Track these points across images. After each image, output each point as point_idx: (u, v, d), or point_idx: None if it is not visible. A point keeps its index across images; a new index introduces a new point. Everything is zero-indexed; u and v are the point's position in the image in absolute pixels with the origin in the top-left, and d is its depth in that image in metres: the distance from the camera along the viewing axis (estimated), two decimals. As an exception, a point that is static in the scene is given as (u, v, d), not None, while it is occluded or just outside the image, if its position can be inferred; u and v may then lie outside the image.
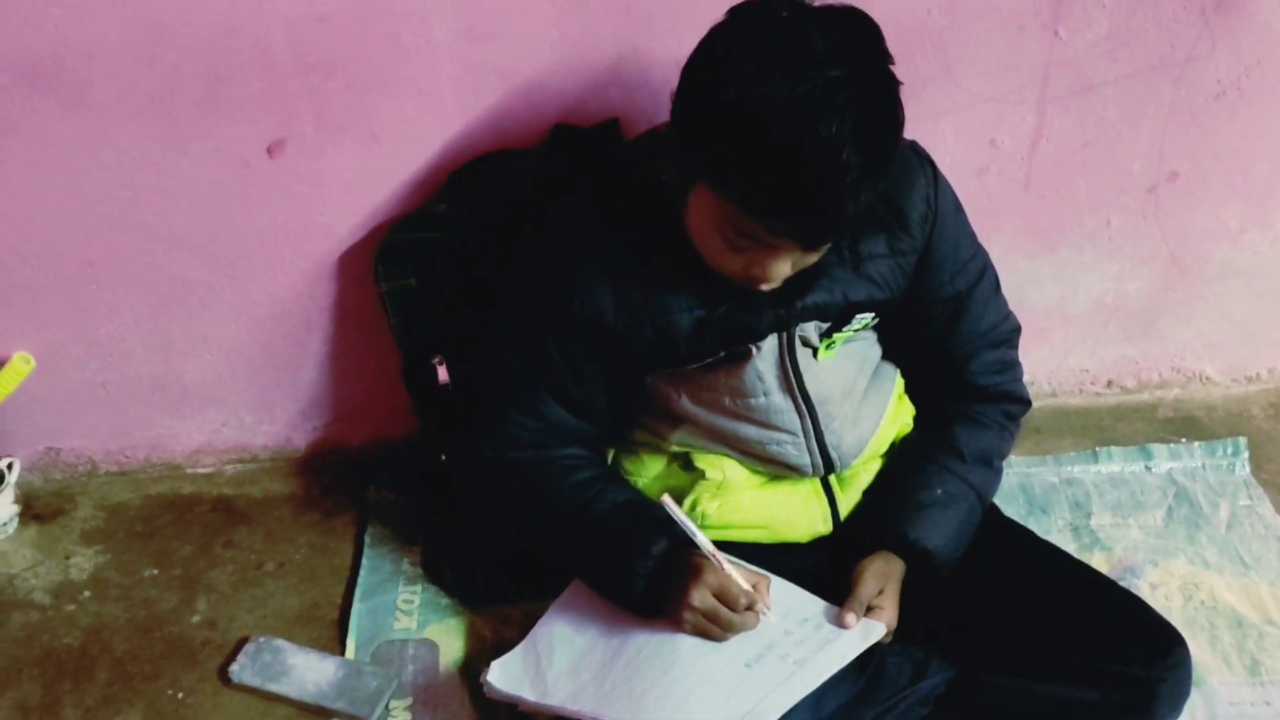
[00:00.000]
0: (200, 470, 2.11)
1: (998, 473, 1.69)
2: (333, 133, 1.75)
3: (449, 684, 1.75)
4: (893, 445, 1.68)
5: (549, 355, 1.53)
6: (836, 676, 1.47)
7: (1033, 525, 1.91)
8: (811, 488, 1.64)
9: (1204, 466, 2.08)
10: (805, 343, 1.53)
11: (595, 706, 1.46)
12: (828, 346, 1.55)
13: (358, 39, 1.67)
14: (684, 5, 1.61)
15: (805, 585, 1.57)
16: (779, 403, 1.55)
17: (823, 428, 1.58)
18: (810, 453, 1.59)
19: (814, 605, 1.54)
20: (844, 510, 1.65)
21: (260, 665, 1.76)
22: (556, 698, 1.50)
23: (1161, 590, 1.85)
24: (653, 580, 1.50)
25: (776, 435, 1.58)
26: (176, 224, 1.82)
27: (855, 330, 1.56)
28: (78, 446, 2.07)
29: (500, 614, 1.83)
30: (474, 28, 1.69)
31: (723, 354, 1.51)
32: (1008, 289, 1.67)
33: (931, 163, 1.54)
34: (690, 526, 1.48)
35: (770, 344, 1.51)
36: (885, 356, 1.67)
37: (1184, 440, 2.13)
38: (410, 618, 1.84)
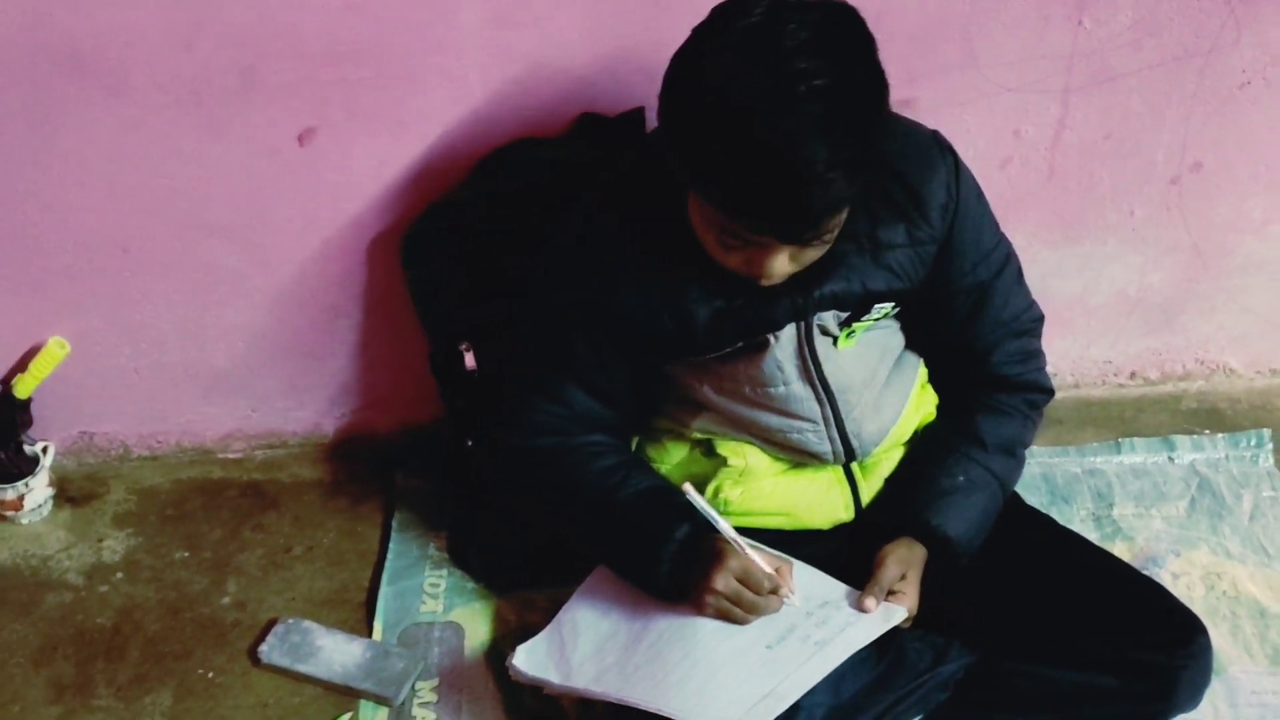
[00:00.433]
0: (230, 455, 2.14)
1: (1020, 461, 1.69)
2: (363, 121, 1.77)
3: (474, 666, 1.77)
4: (915, 434, 1.69)
5: (572, 345, 1.55)
6: (856, 660, 1.48)
7: (1055, 515, 1.91)
8: (833, 475, 1.65)
9: (1227, 458, 2.08)
10: (824, 331, 1.54)
11: (619, 688, 1.47)
12: (848, 335, 1.55)
13: (388, 28, 1.69)
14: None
15: (827, 572, 1.58)
16: (799, 391, 1.56)
17: (843, 416, 1.58)
18: (831, 440, 1.60)
19: (835, 589, 1.56)
20: (866, 498, 1.66)
21: (289, 646, 1.78)
22: (581, 680, 1.52)
23: (1184, 580, 1.86)
24: (676, 565, 1.52)
25: (797, 423, 1.59)
26: (210, 212, 1.85)
27: (875, 320, 1.56)
28: (111, 431, 2.10)
29: (525, 598, 1.85)
30: (502, 16, 1.70)
31: (741, 344, 1.52)
32: (1030, 280, 1.67)
33: (953, 152, 1.54)
34: (711, 513, 1.49)
35: (789, 333, 1.52)
36: (908, 346, 1.67)
37: (1207, 432, 2.13)
38: (436, 601, 1.86)
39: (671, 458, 1.69)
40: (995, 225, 1.61)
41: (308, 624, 1.81)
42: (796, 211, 1.28)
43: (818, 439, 1.60)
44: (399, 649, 1.78)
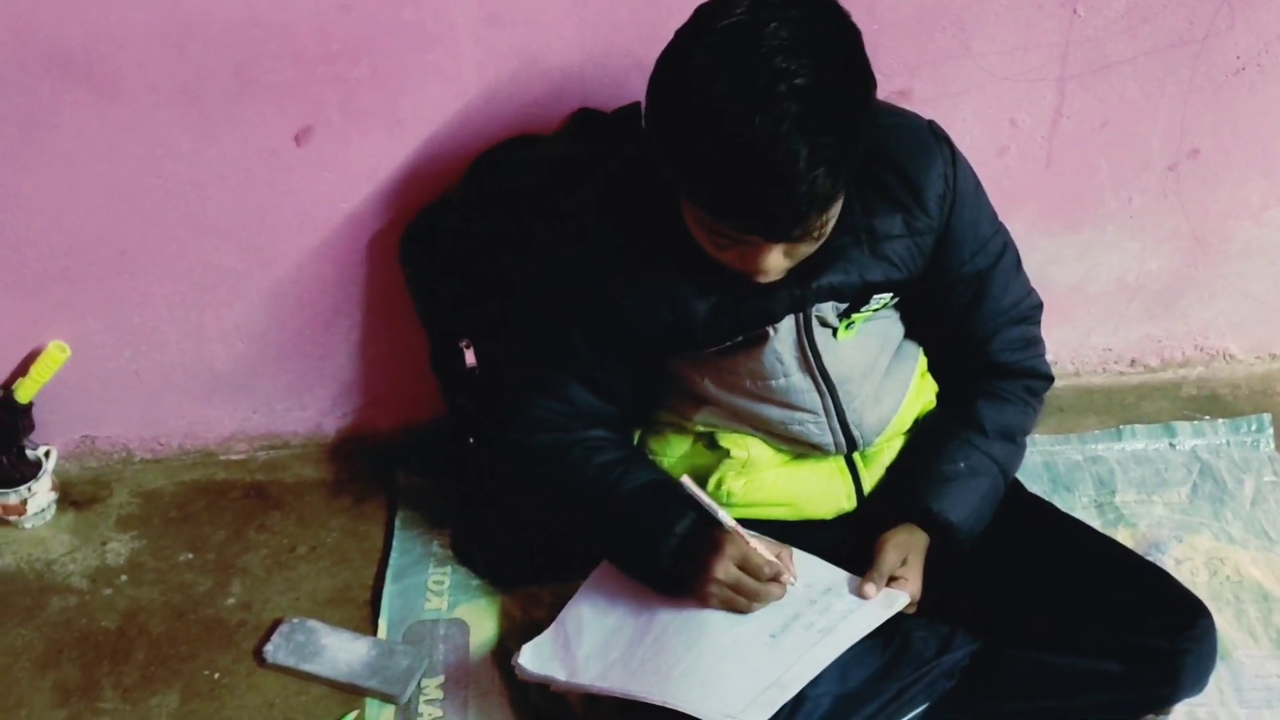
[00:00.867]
0: (233, 457, 2.14)
1: (1021, 448, 1.69)
2: (358, 120, 1.77)
3: (480, 663, 1.77)
4: (916, 422, 1.69)
5: (570, 341, 1.55)
6: (861, 649, 1.49)
7: (1057, 503, 1.90)
8: (835, 465, 1.65)
9: (1228, 443, 2.08)
10: (823, 323, 1.54)
11: (624, 683, 1.47)
12: (847, 326, 1.55)
13: (382, 26, 1.69)
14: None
15: (831, 563, 1.58)
16: (799, 383, 1.56)
17: (844, 406, 1.59)
18: (832, 431, 1.60)
19: (837, 576, 1.56)
20: (868, 487, 1.66)
21: (294, 646, 1.78)
22: (586, 676, 1.52)
23: (1187, 565, 1.86)
24: (677, 559, 1.52)
25: (798, 415, 1.59)
26: (207, 212, 1.85)
27: (874, 310, 1.56)
28: (113, 434, 2.10)
29: (530, 594, 1.85)
30: (496, 14, 1.70)
31: (740, 338, 1.52)
32: (1029, 268, 1.67)
33: (949, 142, 1.54)
34: (710, 504, 1.50)
35: (787, 325, 1.52)
36: (908, 335, 1.67)
37: (1208, 418, 2.13)
38: (441, 598, 1.87)
39: (674, 451, 1.69)
40: (993, 214, 1.61)
41: (312, 623, 1.82)
42: (780, 211, 1.28)
43: (819, 430, 1.60)
44: (404, 647, 1.78)
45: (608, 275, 1.51)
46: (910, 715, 1.53)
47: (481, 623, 1.83)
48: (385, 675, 1.73)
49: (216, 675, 1.78)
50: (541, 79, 1.76)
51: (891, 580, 1.54)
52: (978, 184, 1.58)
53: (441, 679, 1.75)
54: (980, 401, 1.66)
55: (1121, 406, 2.18)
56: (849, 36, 1.30)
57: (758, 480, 1.64)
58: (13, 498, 1.98)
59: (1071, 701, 1.53)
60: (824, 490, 1.65)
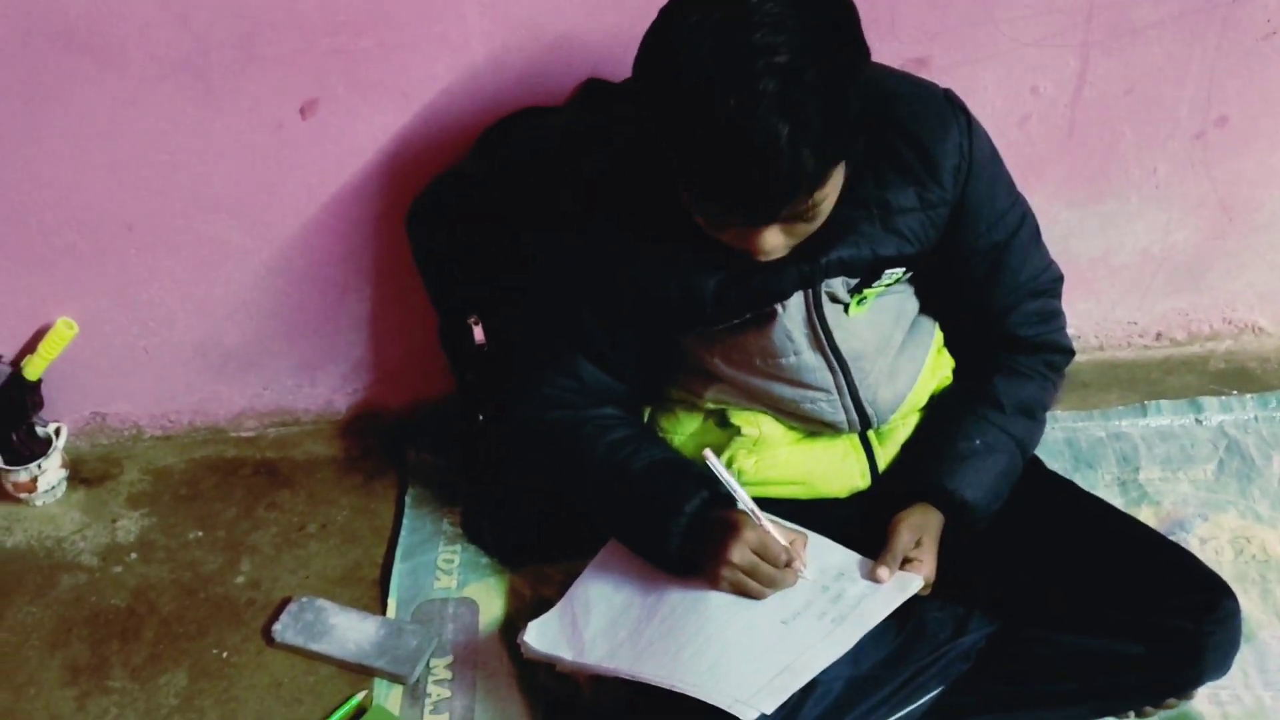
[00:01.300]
0: (243, 434, 2.13)
1: (1040, 424, 1.66)
2: (365, 92, 1.75)
3: (489, 642, 1.75)
4: (932, 399, 1.65)
5: (581, 319, 1.54)
6: (875, 632, 1.46)
7: (1079, 480, 1.88)
8: (849, 443, 1.62)
9: (1256, 419, 2.04)
10: (834, 299, 1.50)
11: (631, 664, 1.45)
12: (859, 302, 1.52)
13: (385, -5, 1.67)
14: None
15: (844, 542, 1.55)
16: (810, 361, 1.53)
17: (857, 384, 1.55)
18: (845, 409, 1.57)
19: (850, 560, 1.53)
20: (883, 465, 1.63)
21: (303, 625, 1.77)
22: (593, 656, 1.50)
23: (1211, 544, 1.82)
24: (686, 538, 1.49)
25: (810, 393, 1.56)
26: (213, 187, 1.83)
27: (887, 285, 1.53)
28: (123, 411, 2.09)
29: (539, 573, 1.83)
30: (502, -18, 1.68)
31: (748, 315, 1.50)
32: (1051, 240, 1.63)
33: (965, 111, 1.49)
34: (732, 482, 1.47)
35: (796, 302, 1.49)
36: (923, 309, 1.64)
37: (1235, 392, 2.08)
38: (450, 577, 1.85)
39: (685, 428, 1.66)
40: (1011, 184, 1.57)
41: (321, 602, 1.80)
42: (763, 192, 1.25)
43: (831, 408, 1.57)
44: (413, 626, 1.77)
45: (616, 251, 1.48)
46: (925, 699, 1.49)
47: (491, 601, 1.81)
48: (394, 655, 1.72)
49: (225, 654, 1.78)
50: (549, 50, 1.73)
51: (905, 562, 1.51)
52: (995, 154, 1.54)
53: (450, 659, 1.74)
54: (998, 377, 1.62)
55: (1147, 381, 2.13)
56: (841, 10, 1.27)
57: (770, 458, 1.61)
58: (23, 475, 1.98)
59: (1091, 684, 1.50)
60: (838, 468, 1.62)
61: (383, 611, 1.81)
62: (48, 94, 1.72)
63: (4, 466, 1.98)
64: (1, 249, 1.87)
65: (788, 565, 1.47)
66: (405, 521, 1.94)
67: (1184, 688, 1.54)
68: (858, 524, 1.58)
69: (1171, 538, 1.79)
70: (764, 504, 1.54)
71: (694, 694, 1.37)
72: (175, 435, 2.12)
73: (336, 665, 1.74)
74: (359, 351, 2.06)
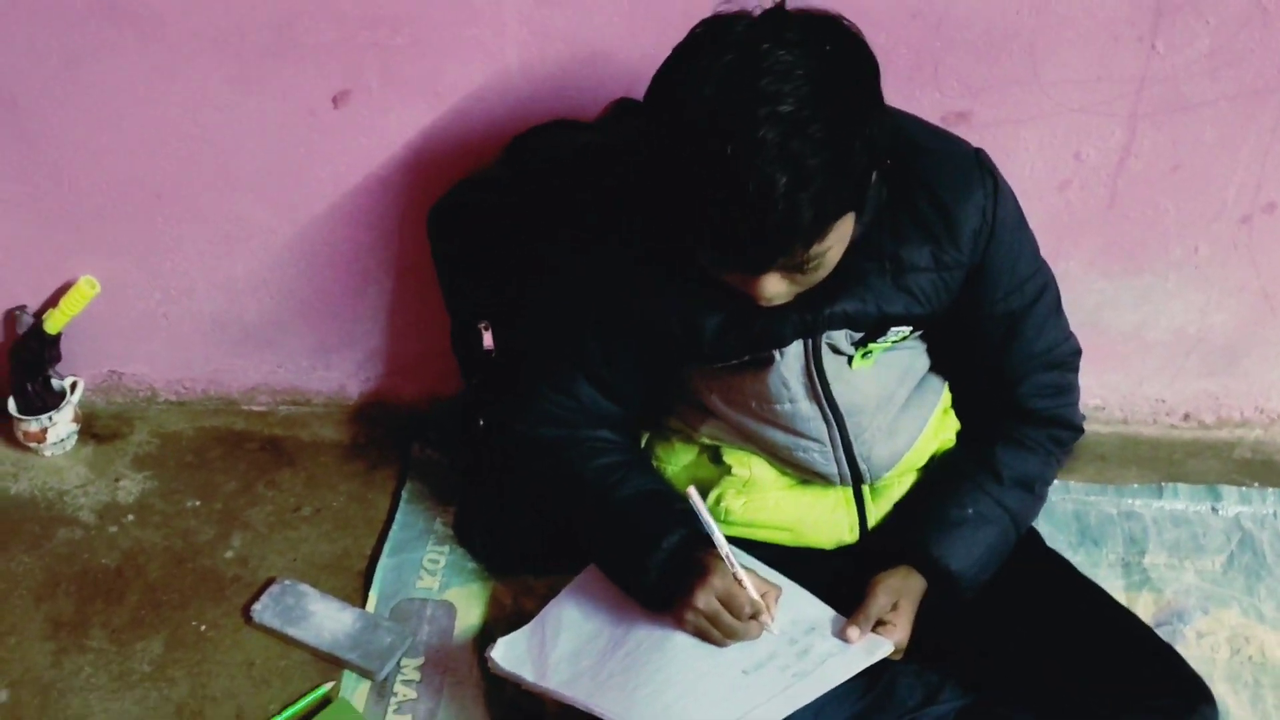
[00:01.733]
0: (255, 408, 2.15)
1: (1039, 500, 1.62)
2: (397, 88, 1.75)
3: (461, 649, 1.75)
4: (932, 459, 1.62)
5: (583, 341, 1.53)
6: (840, 691, 1.44)
7: (1082, 556, 1.84)
8: (841, 495, 1.59)
9: (1275, 514, 1.97)
10: (836, 350, 1.48)
11: (588, 695, 1.44)
12: (864, 355, 1.49)
13: (426, -4, 1.66)
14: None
15: (824, 596, 1.53)
16: (805, 410, 1.51)
17: (852, 438, 1.53)
18: (837, 461, 1.54)
19: (824, 615, 1.50)
20: (873, 521, 1.61)
21: (282, 608, 1.78)
22: (554, 681, 1.49)
23: (1208, 640, 1.76)
24: (662, 574, 1.48)
25: (803, 441, 1.53)
26: (241, 164, 1.84)
27: (894, 341, 1.50)
28: (139, 373, 2.11)
29: (523, 583, 1.82)
30: (546, -6, 1.66)
31: (746, 358, 1.47)
32: (1084, 310, 1.60)
33: (995, 174, 1.45)
34: (711, 524, 1.44)
35: (795, 350, 1.46)
36: (933, 368, 1.61)
37: (1258, 485, 2.02)
38: (434, 577, 1.85)
39: (679, 459, 1.65)
40: (1035, 252, 1.53)
41: (303, 587, 1.81)
42: (755, 241, 1.22)
43: (824, 459, 1.54)
44: (389, 623, 1.76)
45: (624, 276, 1.47)
46: (884, 765, 1.47)
47: (470, 607, 1.80)
48: (366, 650, 1.72)
49: (203, 627, 1.79)
50: (584, 64, 1.71)
51: (879, 625, 1.48)
52: (1021, 220, 1.50)
53: (421, 660, 1.73)
54: (1000, 446, 1.58)
55: (1169, 462, 2.07)
56: (852, 62, 1.24)
57: (758, 500, 1.59)
58: (34, 425, 2.01)
59: (1059, 770, 1.46)
60: (827, 519, 1.60)
61: (363, 604, 1.81)
62: (84, 56, 1.73)
63: (18, 415, 2.01)
64: (33, 205, 1.90)
65: (753, 618, 1.44)
66: (398, 517, 1.94)
67: (1152, 785, 1.49)
68: (842, 578, 1.55)
69: (1168, 628, 1.75)
70: (750, 547, 1.52)
71: (643, 734, 1.36)
72: (188, 401, 2.15)
73: (309, 653, 1.74)
74: (375, 341, 2.06)
